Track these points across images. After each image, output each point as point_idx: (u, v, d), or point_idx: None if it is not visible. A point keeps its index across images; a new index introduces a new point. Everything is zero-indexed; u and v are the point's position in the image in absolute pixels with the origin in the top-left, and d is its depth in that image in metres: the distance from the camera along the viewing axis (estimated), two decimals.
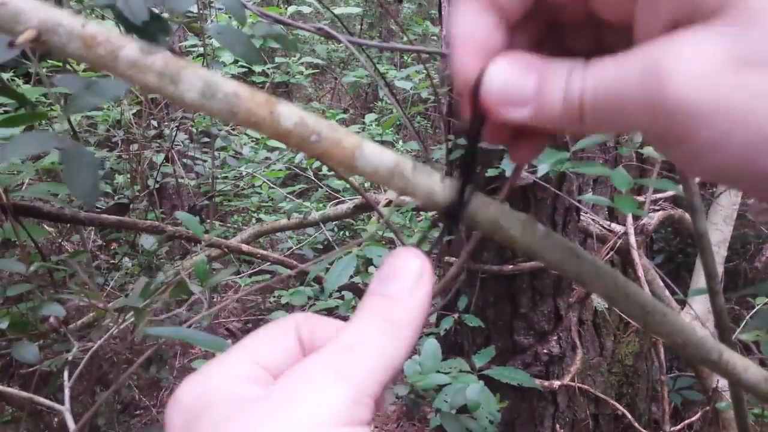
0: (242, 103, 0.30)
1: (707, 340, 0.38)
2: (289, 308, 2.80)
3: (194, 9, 2.30)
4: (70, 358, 1.39)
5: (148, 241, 2.13)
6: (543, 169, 1.32)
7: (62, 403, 1.16)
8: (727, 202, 2.27)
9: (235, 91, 0.30)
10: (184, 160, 3.20)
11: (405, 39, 4.28)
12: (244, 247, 2.03)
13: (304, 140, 0.30)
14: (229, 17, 3.19)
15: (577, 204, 1.83)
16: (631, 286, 0.35)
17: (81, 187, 0.70)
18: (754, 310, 1.98)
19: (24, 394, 1.15)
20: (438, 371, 1.41)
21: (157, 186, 2.93)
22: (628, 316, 0.36)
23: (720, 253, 2.24)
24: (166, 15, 0.83)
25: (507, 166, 1.63)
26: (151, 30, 0.76)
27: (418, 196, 0.31)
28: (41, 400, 1.11)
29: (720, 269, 2.23)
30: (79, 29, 0.29)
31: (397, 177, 0.31)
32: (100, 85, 0.77)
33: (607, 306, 1.96)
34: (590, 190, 1.91)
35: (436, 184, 0.31)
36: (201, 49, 2.86)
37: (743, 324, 2.07)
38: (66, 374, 1.24)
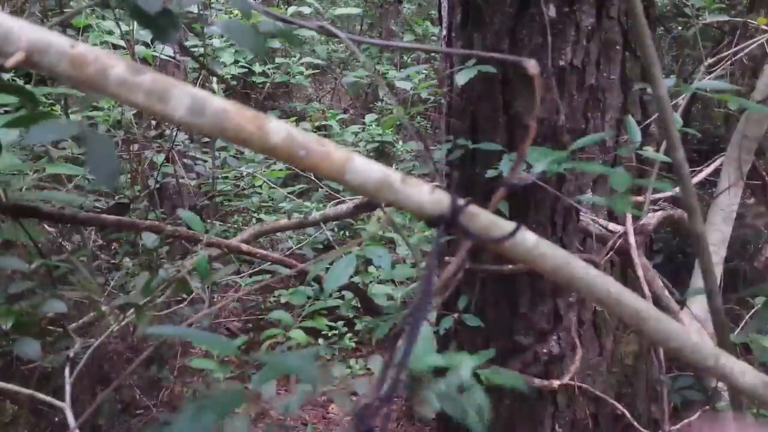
0: (231, 119, 0.30)
1: (703, 345, 0.38)
2: (288, 307, 2.80)
3: (194, 9, 2.30)
4: (71, 355, 1.40)
5: (149, 239, 2.13)
6: (539, 167, 1.32)
7: (63, 400, 1.16)
8: (727, 202, 2.27)
9: (223, 107, 0.30)
10: (185, 160, 3.20)
11: (405, 40, 4.28)
12: (244, 247, 2.04)
13: (292, 155, 0.31)
14: (229, 16, 3.19)
15: (577, 205, 1.84)
16: (625, 293, 0.35)
17: (102, 171, 0.74)
18: (753, 310, 1.98)
19: (25, 391, 1.15)
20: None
21: (157, 186, 2.93)
22: (623, 322, 0.36)
23: (719, 254, 2.24)
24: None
25: (505, 167, 1.63)
26: (162, 24, 0.78)
27: (408, 208, 0.32)
28: (42, 396, 1.12)
29: (719, 269, 2.23)
30: (69, 50, 0.30)
31: (386, 190, 0.31)
32: None
33: None
34: (590, 191, 1.92)
35: (426, 196, 0.31)
36: (201, 50, 2.87)
37: (742, 324, 2.07)
38: (67, 371, 1.25)
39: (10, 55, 0.29)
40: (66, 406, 1.09)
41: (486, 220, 0.32)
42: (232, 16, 3.21)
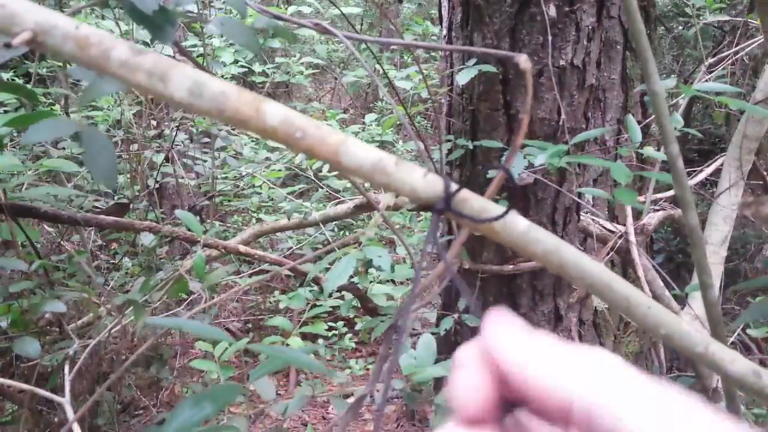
0: (229, 102, 0.31)
1: (693, 333, 0.38)
2: (288, 311, 2.79)
3: (194, 9, 2.30)
4: (71, 353, 1.40)
5: (147, 239, 2.13)
6: (541, 159, 1.31)
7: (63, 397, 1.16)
8: (727, 202, 2.27)
9: (222, 89, 0.31)
10: (184, 160, 3.19)
11: (406, 39, 4.28)
12: (241, 248, 2.03)
13: (289, 136, 0.31)
14: (228, 13, 3.19)
15: (578, 200, 1.83)
16: (615, 279, 0.35)
17: (101, 170, 0.73)
18: None
19: (25, 386, 1.16)
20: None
21: (157, 186, 2.93)
22: (613, 308, 0.36)
23: (720, 253, 2.23)
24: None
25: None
26: (158, 21, 0.77)
27: (401, 192, 0.32)
28: (42, 392, 1.12)
29: (720, 269, 2.22)
30: (74, 31, 0.30)
31: (380, 173, 0.31)
32: None
33: (607, 306, 1.96)
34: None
35: (419, 180, 0.31)
36: (201, 49, 2.86)
37: (739, 319, 2.07)
38: (66, 369, 1.25)
39: (17, 35, 0.30)
40: (66, 401, 1.09)
41: (478, 204, 0.32)
42: (231, 15, 3.20)
